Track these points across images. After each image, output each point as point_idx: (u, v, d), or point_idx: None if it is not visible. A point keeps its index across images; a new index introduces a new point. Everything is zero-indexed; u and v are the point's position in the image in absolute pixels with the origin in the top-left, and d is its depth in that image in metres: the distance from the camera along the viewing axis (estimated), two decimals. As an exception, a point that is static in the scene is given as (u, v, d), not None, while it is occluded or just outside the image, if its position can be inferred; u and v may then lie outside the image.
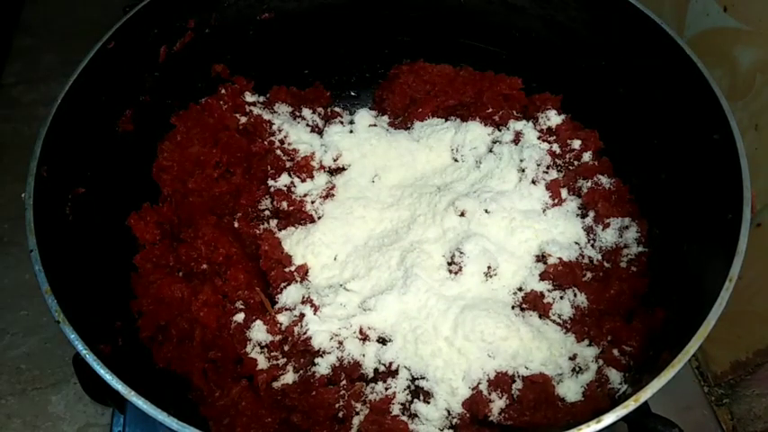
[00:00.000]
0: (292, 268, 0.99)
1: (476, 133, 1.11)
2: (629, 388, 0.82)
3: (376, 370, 0.88)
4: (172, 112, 1.08)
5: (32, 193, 0.82)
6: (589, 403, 0.82)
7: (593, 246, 0.98)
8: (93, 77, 0.94)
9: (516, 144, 1.09)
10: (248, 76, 1.15)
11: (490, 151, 1.09)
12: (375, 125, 1.15)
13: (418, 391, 0.86)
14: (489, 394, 0.84)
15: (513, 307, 0.93)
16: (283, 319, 0.93)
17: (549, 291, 0.94)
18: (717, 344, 1.09)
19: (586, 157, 1.06)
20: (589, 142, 1.07)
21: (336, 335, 0.90)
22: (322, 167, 1.10)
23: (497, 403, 0.83)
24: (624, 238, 0.97)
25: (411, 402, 0.86)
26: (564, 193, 1.04)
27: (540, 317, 0.92)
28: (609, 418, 0.68)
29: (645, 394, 0.69)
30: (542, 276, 0.95)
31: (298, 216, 1.04)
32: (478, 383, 0.85)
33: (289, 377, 0.90)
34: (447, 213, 1.00)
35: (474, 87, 1.17)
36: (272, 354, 0.91)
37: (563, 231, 0.99)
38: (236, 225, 1.02)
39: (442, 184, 1.08)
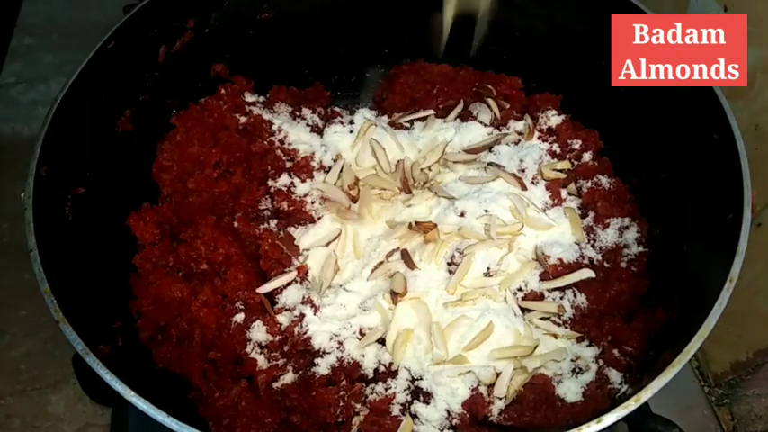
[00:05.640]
0: (292, 268, 0.99)
1: (476, 133, 1.11)
2: (629, 388, 0.82)
3: (376, 370, 0.88)
4: (171, 112, 1.08)
5: (32, 193, 0.82)
6: (589, 403, 0.82)
7: (593, 246, 0.98)
8: (93, 77, 0.94)
9: (516, 144, 1.08)
10: (248, 76, 1.15)
11: (490, 151, 1.09)
12: (375, 125, 1.15)
13: (418, 392, 0.86)
14: (489, 395, 0.84)
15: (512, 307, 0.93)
16: (283, 319, 0.93)
17: (549, 291, 0.93)
18: (717, 344, 1.09)
19: (586, 157, 1.06)
20: (589, 142, 1.07)
21: (336, 335, 0.90)
22: (322, 167, 1.09)
23: (497, 404, 0.83)
24: (624, 238, 0.97)
25: (411, 403, 0.86)
26: (564, 193, 1.04)
27: (539, 317, 0.92)
28: (609, 419, 0.68)
29: (645, 394, 0.69)
30: (542, 276, 0.95)
31: (298, 216, 1.04)
32: (478, 384, 0.85)
33: (288, 377, 0.90)
34: (447, 214, 1.00)
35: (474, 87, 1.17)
36: (271, 354, 0.91)
37: (563, 232, 0.99)
38: (235, 225, 1.02)
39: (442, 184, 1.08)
